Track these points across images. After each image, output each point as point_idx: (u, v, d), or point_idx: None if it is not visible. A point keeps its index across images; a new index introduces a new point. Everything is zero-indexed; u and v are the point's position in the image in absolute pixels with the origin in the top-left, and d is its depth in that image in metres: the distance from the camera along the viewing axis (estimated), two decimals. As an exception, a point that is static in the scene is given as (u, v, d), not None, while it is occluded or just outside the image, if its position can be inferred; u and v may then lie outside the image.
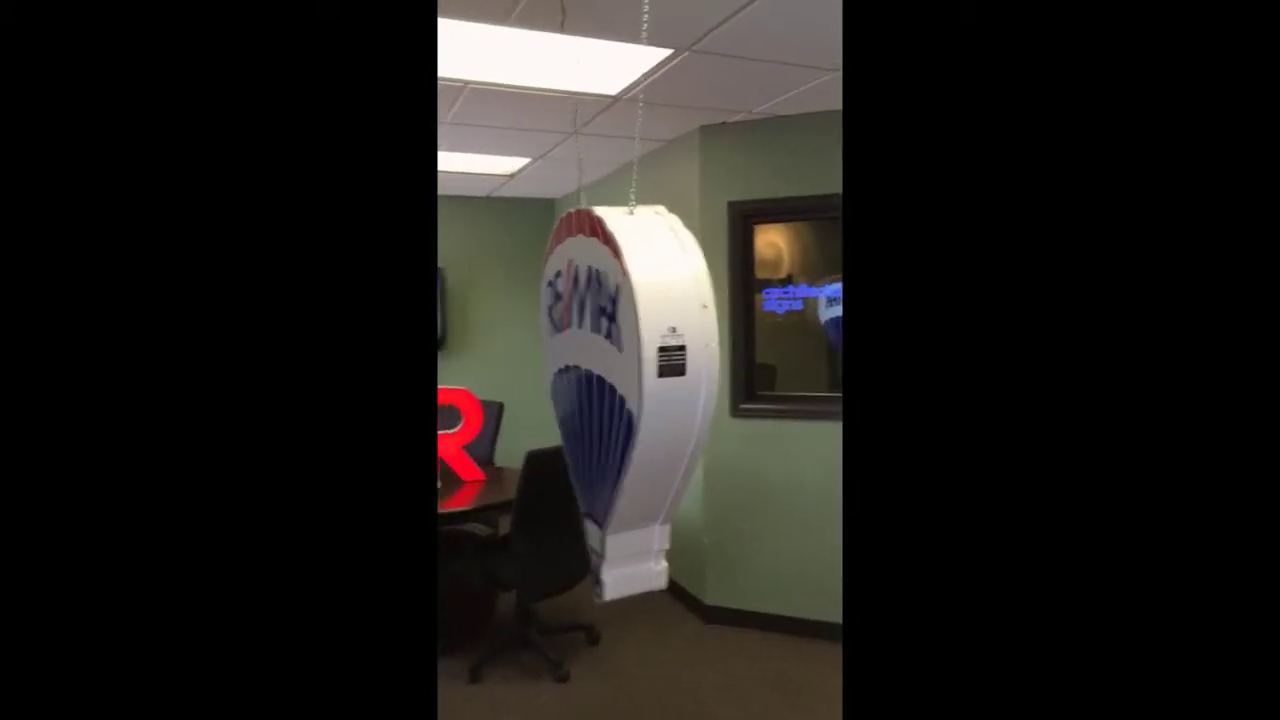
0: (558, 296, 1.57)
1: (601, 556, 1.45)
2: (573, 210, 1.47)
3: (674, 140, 3.69)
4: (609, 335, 1.32)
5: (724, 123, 3.41)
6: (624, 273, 1.24)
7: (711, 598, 3.57)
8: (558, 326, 1.59)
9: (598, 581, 1.48)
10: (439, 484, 3.44)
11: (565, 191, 5.21)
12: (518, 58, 2.56)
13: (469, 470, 3.59)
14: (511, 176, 4.60)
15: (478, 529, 3.15)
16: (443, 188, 4.98)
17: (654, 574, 1.50)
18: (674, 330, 1.24)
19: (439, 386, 3.60)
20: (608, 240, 1.30)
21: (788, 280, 3.48)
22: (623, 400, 1.29)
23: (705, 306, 1.29)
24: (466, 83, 2.82)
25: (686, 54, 2.53)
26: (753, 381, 3.46)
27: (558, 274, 1.56)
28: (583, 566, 2.26)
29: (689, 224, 3.60)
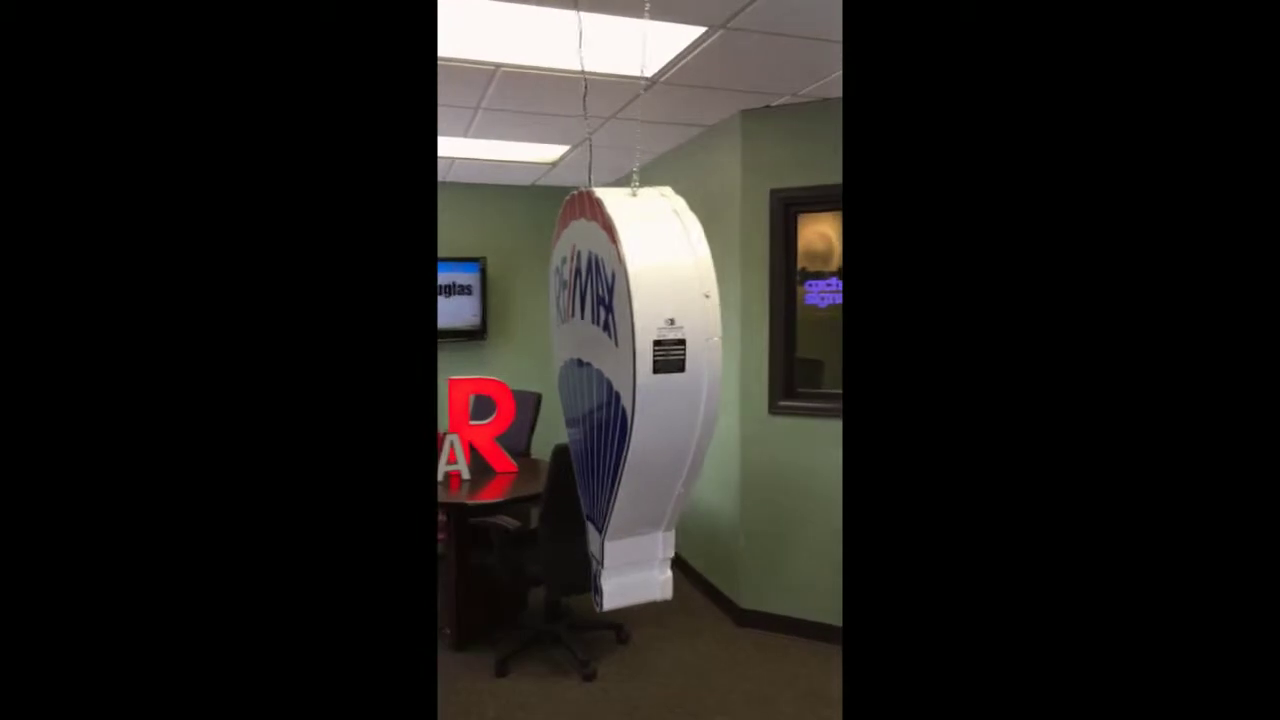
0: (564, 284, 1.48)
1: (600, 563, 1.36)
2: (576, 191, 1.37)
3: (715, 126, 3.56)
4: (606, 326, 1.22)
5: (767, 106, 3.27)
6: (619, 258, 1.14)
7: (746, 600, 3.45)
8: (563, 317, 1.50)
9: (596, 589, 1.39)
10: (468, 475, 3.41)
11: (614, 178, 5.12)
12: (550, 39, 2.47)
13: (501, 461, 3.55)
14: (554, 164, 4.54)
15: (506, 521, 3.11)
16: (485, 176, 4.96)
17: (657, 583, 1.40)
18: (672, 322, 1.13)
19: (476, 377, 3.57)
20: (605, 223, 1.20)
21: (839, 273, 3.32)
22: (618, 397, 1.19)
23: (708, 296, 1.18)
24: (498, 66, 2.75)
25: (721, 32, 2.40)
26: (793, 377, 3.31)
27: (563, 260, 1.47)
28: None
29: (729, 213, 3.49)
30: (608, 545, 1.34)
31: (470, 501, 3.18)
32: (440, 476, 3.39)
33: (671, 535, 1.40)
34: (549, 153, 4.22)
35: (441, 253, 5.12)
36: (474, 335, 5.18)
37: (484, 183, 5.16)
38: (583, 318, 1.35)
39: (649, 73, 2.81)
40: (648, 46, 2.52)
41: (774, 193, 3.28)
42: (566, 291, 1.46)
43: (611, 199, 1.22)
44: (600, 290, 1.24)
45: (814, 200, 3.23)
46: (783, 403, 3.31)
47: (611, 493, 1.26)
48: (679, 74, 2.82)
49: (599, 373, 1.28)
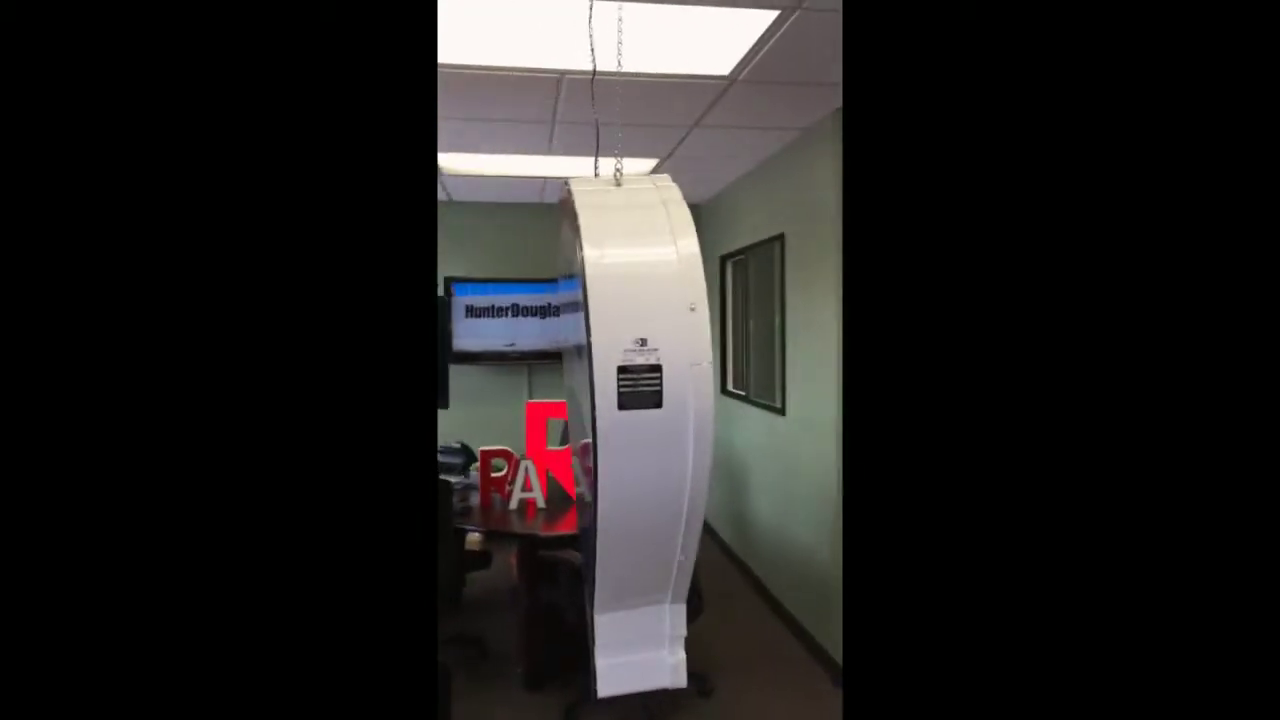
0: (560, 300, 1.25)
1: (591, 639, 1.11)
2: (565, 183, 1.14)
3: (810, 128, 3.24)
4: (579, 349, 0.98)
5: (866, 101, 2.92)
6: (581, 261, 0.90)
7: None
8: (566, 337, 1.27)
9: (590, 671, 1.14)
10: (544, 504, 3.25)
11: (713, 193, 4.86)
12: (625, 42, 2.26)
13: (579, 491, 3.36)
14: (648, 179, 4.35)
15: (573, 556, 2.90)
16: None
17: (666, 666, 1.13)
18: (643, 343, 0.86)
19: (558, 401, 3.42)
20: (573, 219, 0.96)
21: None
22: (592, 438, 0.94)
23: (694, 309, 0.90)
24: (563, 73, 2.59)
25: (798, 13, 2.11)
26: (898, 405, 2.91)
27: (562, 272, 1.25)
28: (697, 604, 2.09)
29: (825, 228, 3.14)
30: (599, 619, 1.08)
31: (543, 533, 3.01)
32: (514, 504, 3.24)
33: (681, 609, 1.12)
34: (639, 166, 4.04)
35: (528, 274, 5.08)
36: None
37: (581, 201, 5.06)
38: (569, 337, 1.11)
39: (732, 69, 2.56)
40: (720, 40, 2.27)
41: (875, 197, 2.91)
42: (563, 307, 1.23)
43: (584, 189, 0.98)
44: (577, 302, 1.00)
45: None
46: (886, 434, 2.91)
47: (594, 555, 1.01)
48: (760, 70, 2.54)
49: (580, 406, 1.04)
